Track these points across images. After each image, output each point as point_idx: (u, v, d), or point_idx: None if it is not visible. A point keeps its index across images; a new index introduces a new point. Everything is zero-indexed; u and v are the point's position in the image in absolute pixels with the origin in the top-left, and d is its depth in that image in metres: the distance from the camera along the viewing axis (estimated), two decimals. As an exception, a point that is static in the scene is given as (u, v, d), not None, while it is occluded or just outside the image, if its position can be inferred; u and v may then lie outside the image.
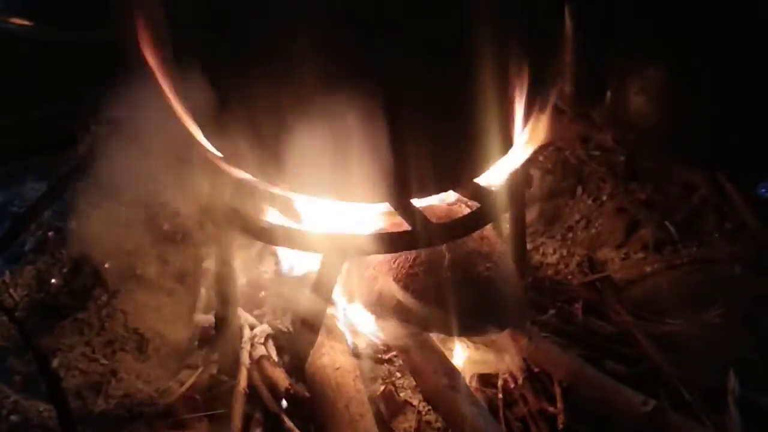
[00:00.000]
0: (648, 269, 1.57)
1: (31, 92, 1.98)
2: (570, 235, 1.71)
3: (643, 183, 1.77)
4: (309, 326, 1.16)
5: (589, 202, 1.77)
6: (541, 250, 1.69)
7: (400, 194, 1.07)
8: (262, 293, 1.40)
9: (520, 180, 1.26)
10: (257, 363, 1.22)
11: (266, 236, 1.11)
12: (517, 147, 1.18)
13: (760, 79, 1.60)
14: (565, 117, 1.82)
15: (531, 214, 1.76)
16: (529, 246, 1.65)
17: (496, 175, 1.20)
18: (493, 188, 1.17)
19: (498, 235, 1.40)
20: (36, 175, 1.87)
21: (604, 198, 1.77)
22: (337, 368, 1.18)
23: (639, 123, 1.71)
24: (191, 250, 1.60)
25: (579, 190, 1.81)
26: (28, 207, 1.52)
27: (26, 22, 2.13)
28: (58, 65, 1.97)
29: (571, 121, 1.77)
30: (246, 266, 1.43)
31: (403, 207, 1.09)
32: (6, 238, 1.47)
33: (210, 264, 1.49)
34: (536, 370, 1.28)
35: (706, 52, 1.61)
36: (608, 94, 1.74)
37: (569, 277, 1.59)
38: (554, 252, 1.67)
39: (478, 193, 1.16)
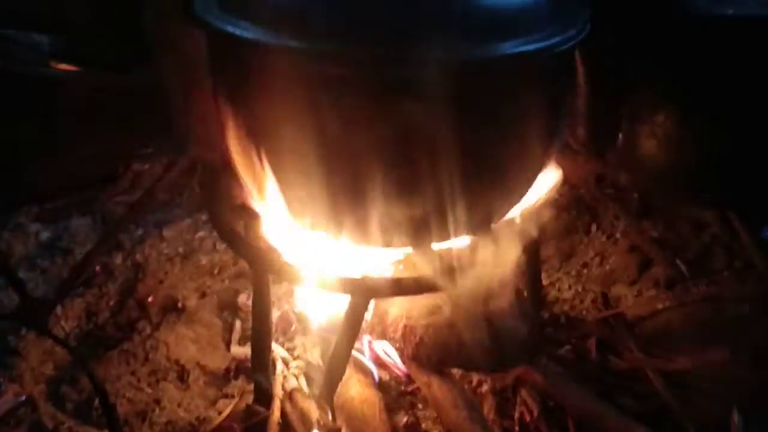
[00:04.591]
0: (659, 306, 1.63)
1: (76, 133, 2.13)
2: (585, 271, 1.79)
3: (656, 221, 1.84)
4: (338, 361, 1.25)
5: (603, 239, 1.85)
6: (557, 286, 1.77)
7: (421, 240, 1.17)
8: (294, 328, 1.50)
9: (535, 224, 1.35)
10: (289, 395, 1.31)
11: (298, 278, 1.21)
12: (532, 193, 1.28)
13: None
14: (580, 157, 1.90)
15: (547, 251, 1.84)
16: (545, 281, 1.73)
17: (512, 219, 1.29)
18: (508, 233, 1.27)
19: (514, 274, 1.48)
20: (81, 210, 2.02)
21: (618, 236, 1.84)
22: (363, 400, 1.27)
23: (650, 164, 1.79)
24: (227, 284, 1.71)
25: (593, 227, 1.88)
26: (85, 254, 1.64)
27: (71, 67, 2.29)
28: (101, 107, 2.11)
29: (585, 161, 1.84)
30: (279, 302, 1.54)
31: (423, 252, 1.19)
32: (66, 284, 1.61)
33: (245, 298, 1.60)
34: (551, 404, 1.36)
35: (715, 96, 1.68)
36: (620, 136, 1.82)
37: (584, 312, 1.66)
38: (570, 288, 1.75)
39: (495, 238, 1.25)
